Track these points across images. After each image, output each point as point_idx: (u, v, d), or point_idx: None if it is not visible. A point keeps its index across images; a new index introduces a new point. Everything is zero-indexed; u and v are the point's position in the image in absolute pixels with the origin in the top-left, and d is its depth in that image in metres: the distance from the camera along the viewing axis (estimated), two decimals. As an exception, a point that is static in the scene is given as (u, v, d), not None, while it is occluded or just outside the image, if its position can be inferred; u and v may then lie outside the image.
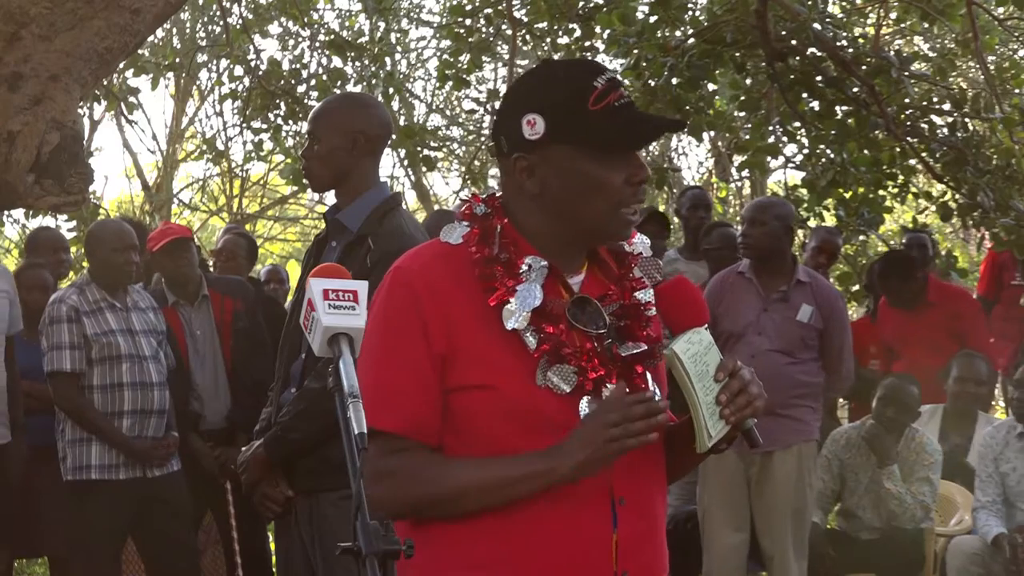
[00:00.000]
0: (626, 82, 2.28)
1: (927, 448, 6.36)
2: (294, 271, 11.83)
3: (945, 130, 7.80)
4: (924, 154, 7.89)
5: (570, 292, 2.23)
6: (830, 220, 8.63)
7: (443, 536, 2.19)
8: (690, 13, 8.18)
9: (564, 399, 2.15)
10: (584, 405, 2.16)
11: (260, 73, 10.06)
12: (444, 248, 2.24)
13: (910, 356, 7.21)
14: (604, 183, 2.17)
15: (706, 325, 2.20)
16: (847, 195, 8.06)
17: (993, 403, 9.10)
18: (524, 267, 2.18)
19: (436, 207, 14.64)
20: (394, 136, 4.20)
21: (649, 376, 2.22)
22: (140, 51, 9.35)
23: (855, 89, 7.45)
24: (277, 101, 9.94)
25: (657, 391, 2.23)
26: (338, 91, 9.67)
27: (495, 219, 2.22)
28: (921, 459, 6.33)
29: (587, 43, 8.53)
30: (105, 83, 9.59)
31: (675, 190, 11.52)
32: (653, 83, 7.47)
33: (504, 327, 2.15)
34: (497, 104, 10.18)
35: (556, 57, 9.11)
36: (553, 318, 2.17)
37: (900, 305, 7.48)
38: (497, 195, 2.27)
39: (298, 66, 11.25)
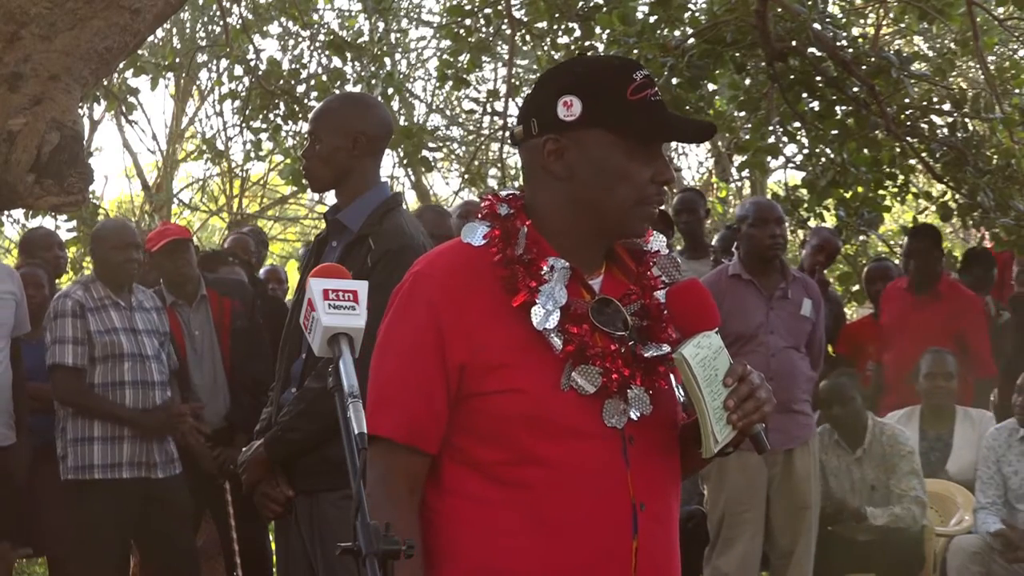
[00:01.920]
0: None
1: (899, 439, 6.39)
2: (294, 271, 11.83)
3: (945, 130, 7.81)
4: (924, 154, 7.90)
5: (592, 293, 2.22)
6: (830, 220, 8.63)
7: (459, 540, 2.18)
8: (690, 13, 8.18)
9: (584, 401, 2.14)
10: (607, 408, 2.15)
11: (260, 73, 10.06)
12: (465, 249, 2.22)
13: (902, 346, 7.16)
14: (631, 175, 2.17)
15: (717, 329, 2.18)
16: (847, 195, 8.06)
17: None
18: (546, 268, 2.17)
19: (436, 207, 14.61)
20: (393, 136, 4.21)
21: (672, 376, 2.22)
22: (140, 51, 9.35)
23: (855, 89, 7.45)
24: (277, 101, 9.94)
25: (680, 391, 2.23)
26: (338, 91, 9.67)
27: (517, 220, 2.21)
28: (896, 450, 6.35)
29: (587, 43, 8.53)
30: (105, 83, 9.59)
31: (675, 190, 11.52)
32: (653, 83, 7.46)
33: (526, 329, 2.14)
34: (497, 104, 10.22)
35: (556, 57, 9.12)
36: (577, 319, 2.16)
37: (921, 275, 7.38)
38: (518, 195, 2.26)
39: (298, 66, 11.25)
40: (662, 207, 2.53)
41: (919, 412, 6.88)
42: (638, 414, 2.16)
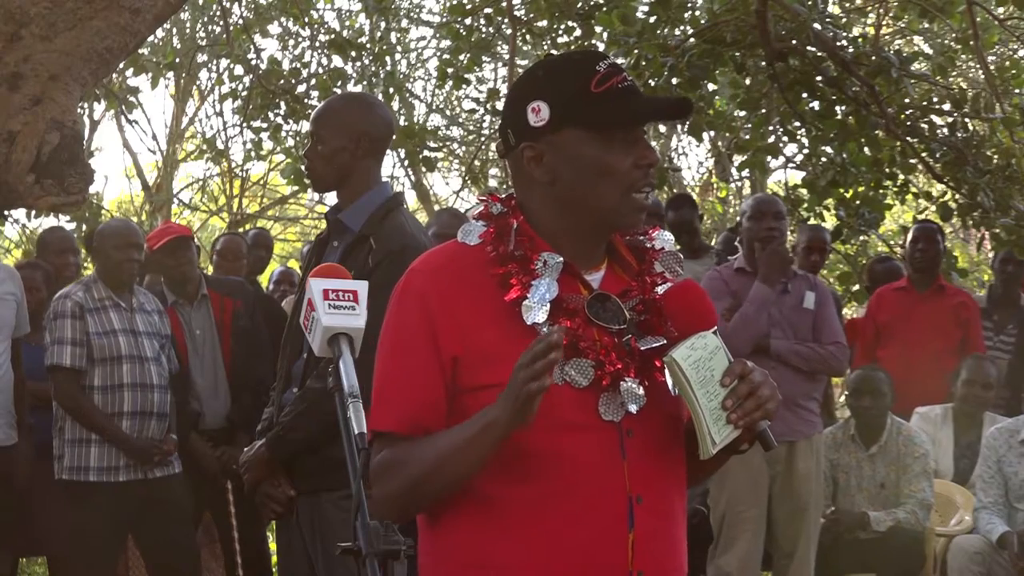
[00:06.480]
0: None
1: (915, 439, 6.40)
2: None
3: (945, 130, 7.81)
4: (924, 154, 7.90)
5: (589, 289, 2.23)
6: (830, 220, 8.63)
7: (456, 535, 2.18)
8: (690, 13, 8.18)
9: (581, 394, 2.14)
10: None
11: (260, 73, 10.06)
12: (461, 249, 2.24)
13: (909, 337, 7.18)
14: (612, 166, 2.18)
15: (715, 328, 2.17)
16: (847, 195, 8.06)
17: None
18: (539, 263, 2.18)
19: (436, 207, 14.63)
20: (394, 136, 4.22)
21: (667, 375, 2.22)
22: (140, 51, 9.35)
23: (855, 89, 7.45)
24: (277, 100, 9.94)
25: (675, 392, 2.21)
26: (339, 90, 9.67)
27: (511, 217, 2.23)
28: (911, 450, 6.36)
29: (587, 42, 8.54)
30: (105, 83, 9.59)
31: (675, 189, 11.51)
32: (653, 83, 7.47)
33: (518, 325, 2.14)
34: (498, 103, 10.21)
35: (556, 56, 9.11)
36: (570, 313, 2.16)
37: (926, 270, 7.44)
38: (513, 195, 2.28)
39: (298, 65, 11.25)
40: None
41: (951, 413, 6.88)
42: (636, 407, 2.16)
